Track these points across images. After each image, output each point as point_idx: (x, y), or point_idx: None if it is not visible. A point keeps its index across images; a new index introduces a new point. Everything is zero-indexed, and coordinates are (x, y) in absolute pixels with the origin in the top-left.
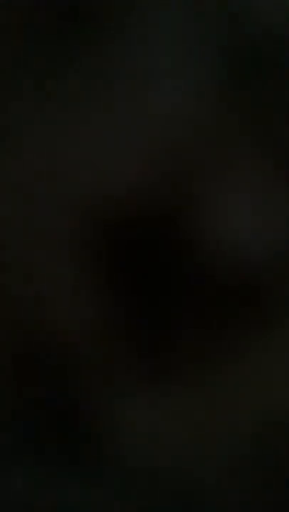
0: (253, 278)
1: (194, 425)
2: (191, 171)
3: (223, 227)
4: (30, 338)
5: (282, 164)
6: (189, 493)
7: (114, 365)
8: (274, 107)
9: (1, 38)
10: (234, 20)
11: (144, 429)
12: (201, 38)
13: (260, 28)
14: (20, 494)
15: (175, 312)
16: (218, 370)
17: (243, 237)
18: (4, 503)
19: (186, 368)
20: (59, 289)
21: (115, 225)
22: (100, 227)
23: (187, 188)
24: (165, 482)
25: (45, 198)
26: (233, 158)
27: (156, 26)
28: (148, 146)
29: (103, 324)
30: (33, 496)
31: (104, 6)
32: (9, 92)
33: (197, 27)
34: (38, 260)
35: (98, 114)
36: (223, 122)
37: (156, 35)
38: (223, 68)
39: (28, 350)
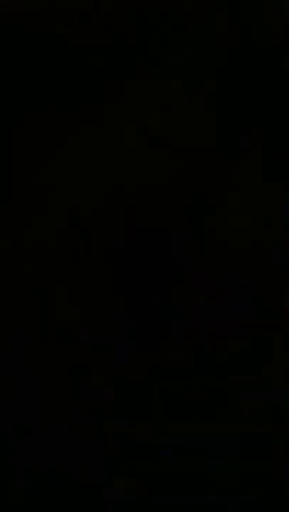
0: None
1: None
2: (192, 171)
3: (224, 227)
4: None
5: (283, 164)
6: (189, 492)
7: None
8: (275, 107)
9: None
10: (235, 20)
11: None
12: (202, 39)
13: (261, 27)
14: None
15: (176, 311)
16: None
17: (244, 238)
18: None
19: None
20: (60, 290)
21: (116, 226)
22: (100, 227)
23: (189, 188)
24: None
25: (48, 206)
26: (235, 159)
27: (157, 26)
28: (149, 148)
29: (103, 323)
30: None
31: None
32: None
33: (198, 27)
34: (40, 260)
35: (98, 119)
36: (224, 122)
37: (157, 37)
38: (224, 68)
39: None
